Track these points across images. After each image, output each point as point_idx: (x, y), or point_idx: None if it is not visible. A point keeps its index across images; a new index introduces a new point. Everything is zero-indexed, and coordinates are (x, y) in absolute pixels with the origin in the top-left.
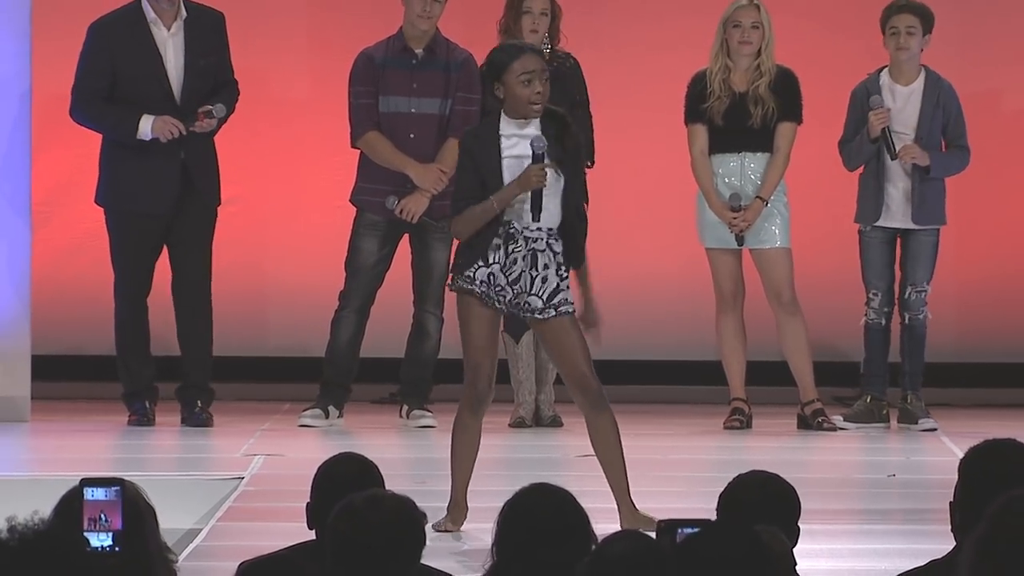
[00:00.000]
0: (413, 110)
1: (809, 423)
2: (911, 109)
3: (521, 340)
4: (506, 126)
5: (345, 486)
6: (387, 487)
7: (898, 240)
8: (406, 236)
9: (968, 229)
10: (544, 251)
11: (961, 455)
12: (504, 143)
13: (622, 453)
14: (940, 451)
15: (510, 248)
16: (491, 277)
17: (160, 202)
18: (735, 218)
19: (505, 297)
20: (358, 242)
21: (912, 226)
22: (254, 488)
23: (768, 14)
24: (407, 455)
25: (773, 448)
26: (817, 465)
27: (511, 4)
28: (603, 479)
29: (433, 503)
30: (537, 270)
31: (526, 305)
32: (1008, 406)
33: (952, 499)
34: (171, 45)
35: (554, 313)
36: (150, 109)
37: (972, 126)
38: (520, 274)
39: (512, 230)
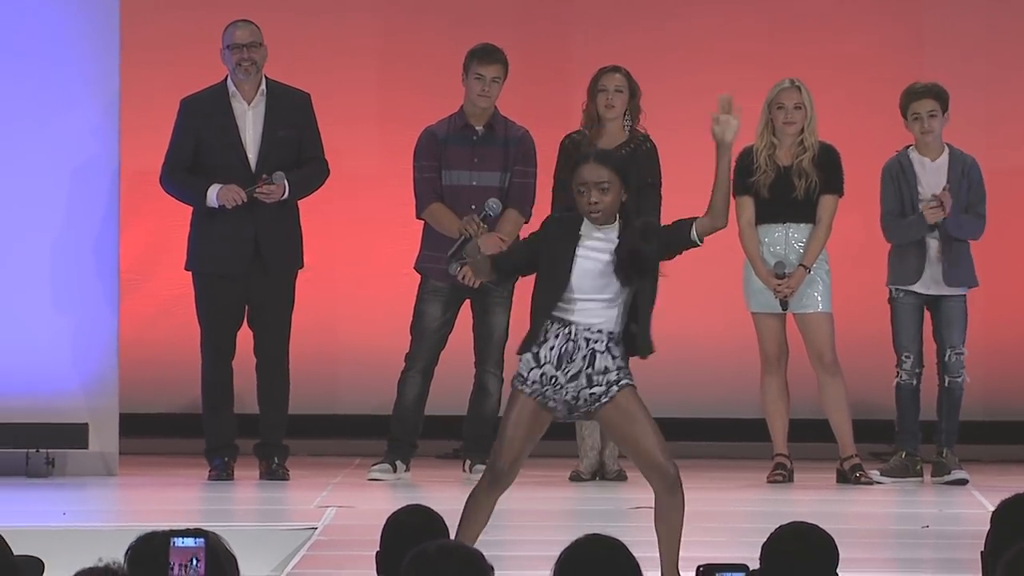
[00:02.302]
0: (474, 183)
1: (848, 477)
2: (939, 180)
3: None
4: (585, 227)
5: (412, 536)
6: (451, 537)
7: (925, 308)
8: (467, 301)
9: (996, 294)
10: (604, 353)
11: (991, 508)
12: (581, 242)
13: (680, 533)
14: (971, 504)
15: (566, 347)
16: (543, 377)
17: (233, 264)
18: (780, 284)
19: (564, 395)
20: (422, 307)
21: (943, 292)
22: (327, 538)
23: (810, 94)
24: None
25: (813, 501)
26: (855, 517)
27: (589, 87)
28: (652, 529)
29: (494, 552)
30: (594, 368)
31: (590, 397)
32: None
33: (983, 549)
34: (250, 117)
35: (616, 389)
36: (228, 177)
37: (997, 199)
38: (578, 371)
39: (570, 329)
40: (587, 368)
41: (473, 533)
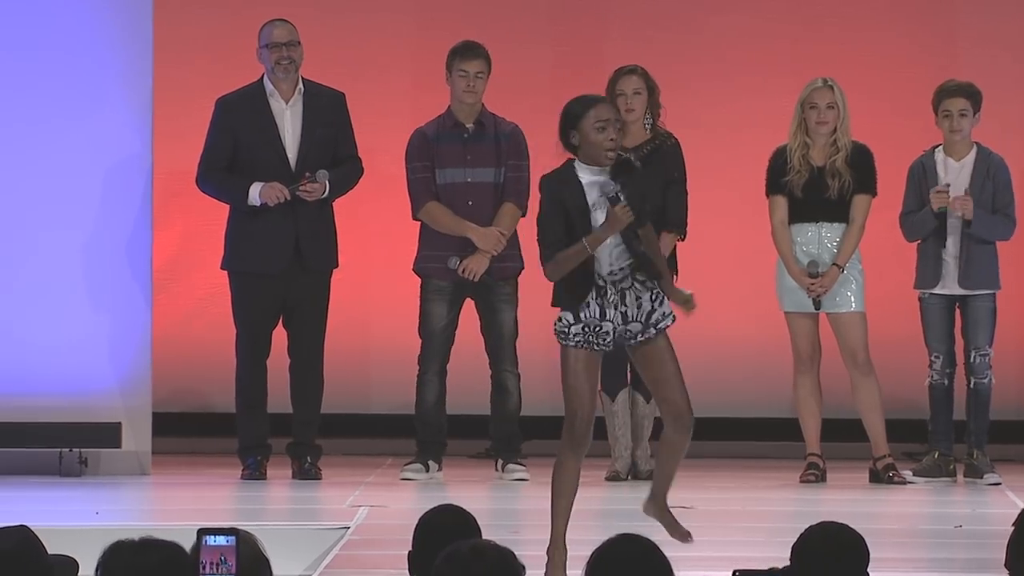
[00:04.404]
0: (469, 179)
1: (880, 477)
2: (962, 181)
3: (617, 398)
4: (582, 172)
5: (445, 535)
6: (484, 536)
7: (957, 306)
8: (471, 302)
9: None
10: (630, 287)
11: None
12: (586, 188)
13: (677, 465)
14: (1004, 504)
15: (603, 300)
16: (585, 329)
17: (273, 263)
18: (813, 284)
19: (607, 338)
20: (429, 307)
21: (966, 292)
22: (359, 537)
23: (843, 93)
24: (502, 506)
25: (846, 500)
26: (888, 517)
27: (607, 91)
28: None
29: (526, 552)
30: (626, 305)
31: (627, 333)
32: None
33: (1007, 549)
34: (288, 116)
35: (653, 332)
36: (267, 175)
37: None
38: (615, 311)
39: (601, 282)
40: (620, 307)
41: (568, 503)
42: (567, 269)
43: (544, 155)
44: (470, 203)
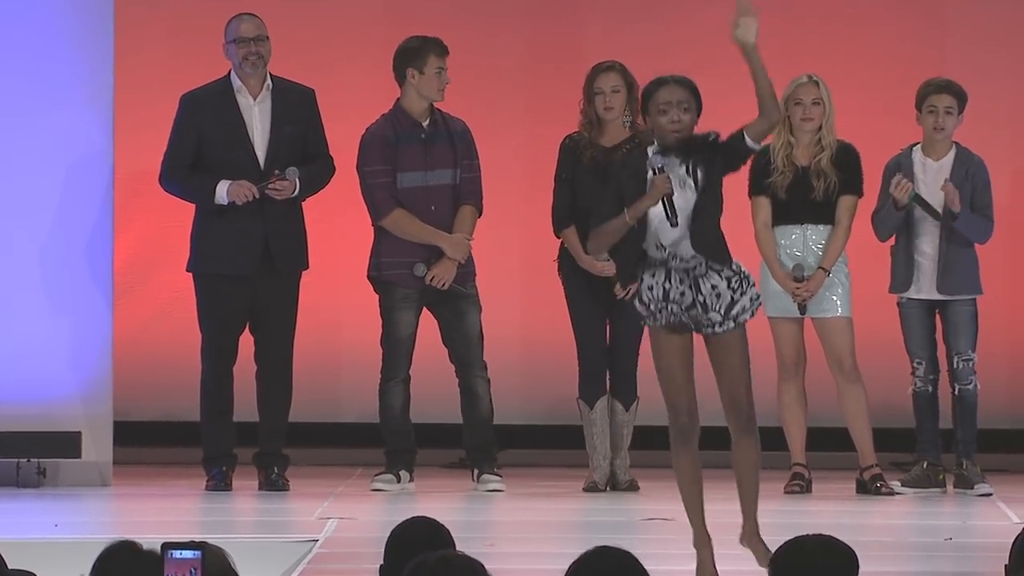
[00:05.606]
0: (430, 183)
1: (868, 488)
2: (938, 183)
3: (595, 406)
4: (653, 158)
5: (417, 548)
6: (457, 549)
7: (937, 311)
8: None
9: (1020, 296)
10: (705, 274)
11: (1016, 519)
12: (650, 174)
13: (757, 477)
14: (996, 515)
15: (669, 284)
16: (652, 308)
17: (241, 264)
18: (798, 288)
19: (684, 317)
20: (397, 315)
21: (942, 297)
22: (328, 550)
23: (828, 89)
24: (476, 519)
25: (832, 512)
26: (875, 528)
27: (584, 88)
28: (666, 542)
29: (500, 564)
30: (703, 294)
31: (707, 320)
32: None
33: (1007, 562)
34: (256, 112)
35: (732, 325)
36: (235, 174)
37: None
38: (685, 296)
39: (671, 263)
40: (696, 294)
41: (696, 493)
42: (609, 241)
43: (520, 150)
44: (433, 208)
